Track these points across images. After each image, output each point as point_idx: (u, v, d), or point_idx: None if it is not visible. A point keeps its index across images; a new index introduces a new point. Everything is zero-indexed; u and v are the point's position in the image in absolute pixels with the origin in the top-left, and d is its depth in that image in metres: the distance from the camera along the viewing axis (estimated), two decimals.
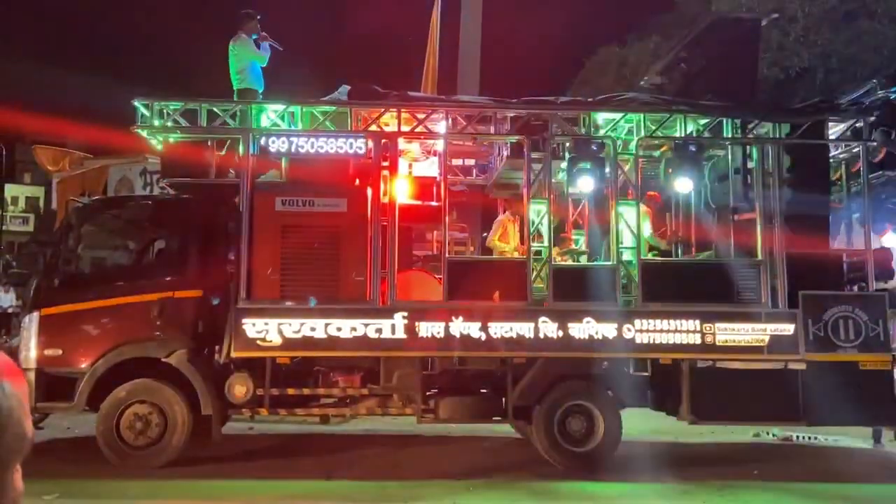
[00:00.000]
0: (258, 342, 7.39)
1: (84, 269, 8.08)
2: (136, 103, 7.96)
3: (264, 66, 8.58)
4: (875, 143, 8.16)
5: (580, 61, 20.82)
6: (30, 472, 1.61)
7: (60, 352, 7.39)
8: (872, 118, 8.10)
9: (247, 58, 8.46)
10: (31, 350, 7.34)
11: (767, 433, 9.66)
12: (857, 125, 8.23)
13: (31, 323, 7.42)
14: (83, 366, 7.34)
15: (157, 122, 8.01)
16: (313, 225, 7.67)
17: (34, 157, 21.65)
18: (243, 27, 8.59)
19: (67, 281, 7.69)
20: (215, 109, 8.06)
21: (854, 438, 9.18)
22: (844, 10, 15.45)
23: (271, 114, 8.22)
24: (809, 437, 9.45)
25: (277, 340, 7.39)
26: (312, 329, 7.41)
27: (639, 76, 10.81)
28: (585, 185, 8.15)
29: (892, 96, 8.13)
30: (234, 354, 7.41)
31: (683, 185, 8.27)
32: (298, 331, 7.37)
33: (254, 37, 8.58)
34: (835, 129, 8.45)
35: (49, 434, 8.40)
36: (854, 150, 8.40)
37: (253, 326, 7.40)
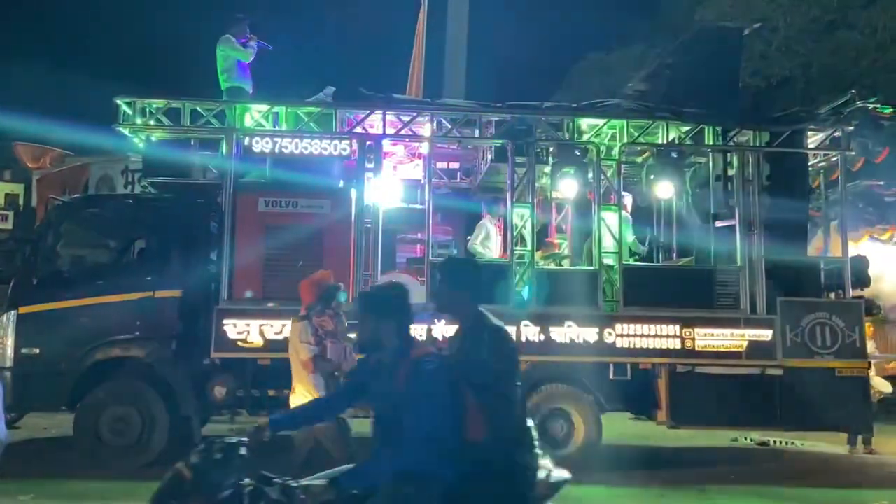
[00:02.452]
0: (239, 343, 7.36)
1: (64, 267, 7.99)
2: (118, 101, 7.91)
3: (248, 62, 8.56)
4: (853, 153, 8.29)
5: (566, 67, 20.96)
6: (6, 472, 1.62)
7: (38, 351, 7.31)
8: (851, 128, 8.23)
9: (231, 57, 8.48)
10: (7, 349, 7.26)
11: (745, 438, 9.75)
12: (836, 134, 8.36)
13: (9, 321, 7.34)
14: (61, 365, 7.27)
15: (139, 121, 7.97)
16: (297, 226, 7.65)
17: (14, 153, 21.39)
18: (231, 30, 8.61)
19: (46, 279, 7.61)
20: (199, 108, 8.03)
21: (829, 444, 9.30)
22: (827, 21, 15.67)
23: (255, 114, 8.21)
24: (786, 443, 9.56)
25: (259, 342, 7.36)
26: None
27: (623, 83, 10.89)
28: (568, 189, 8.21)
29: (870, 106, 8.27)
30: (213, 355, 7.37)
31: (665, 191, 8.35)
32: (280, 332, 7.35)
33: (241, 40, 8.60)
34: (814, 138, 8.58)
35: (26, 434, 8.31)
36: (832, 159, 8.52)
37: (234, 327, 7.37)
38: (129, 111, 7.94)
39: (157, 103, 8.00)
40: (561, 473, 3.08)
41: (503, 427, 2.89)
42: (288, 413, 4.40)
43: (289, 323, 7.35)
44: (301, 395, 5.32)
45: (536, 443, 3.00)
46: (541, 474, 2.98)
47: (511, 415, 2.95)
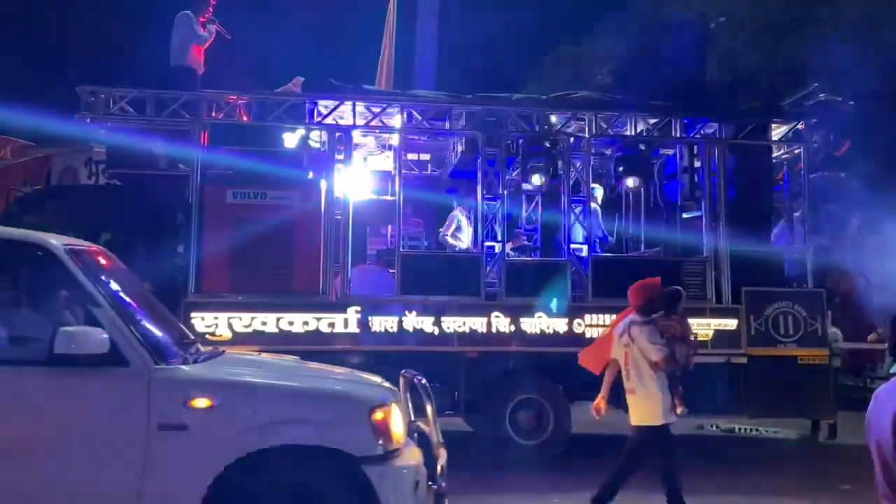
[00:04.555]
0: (207, 336, 7.28)
1: None
2: (80, 90, 7.74)
3: (201, 46, 8.41)
4: (815, 145, 8.47)
5: (537, 58, 21.02)
6: None
7: None
8: (813, 120, 8.40)
9: (186, 35, 8.30)
10: None
11: (712, 425, 9.93)
12: (799, 127, 8.52)
13: None
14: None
15: (102, 111, 7.81)
16: (266, 218, 7.58)
17: None
18: (192, 7, 8.45)
19: None
20: (164, 99, 7.89)
21: (794, 431, 9.51)
22: (792, 17, 15.92)
23: (223, 104, 8.09)
24: (751, 430, 9.76)
25: (227, 334, 7.29)
26: (263, 323, 7.34)
27: (592, 75, 10.97)
28: (538, 181, 8.26)
29: (832, 99, 8.45)
30: None
31: (632, 182, 8.45)
32: (249, 325, 7.29)
33: (200, 20, 8.44)
34: (778, 131, 8.74)
35: None
36: (796, 152, 8.69)
37: (202, 320, 7.29)
38: (92, 100, 7.78)
39: (121, 92, 7.85)
40: None
41: None
42: None
43: (258, 316, 7.34)
44: (642, 395, 5.22)
45: None
46: None
47: None
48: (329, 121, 8.17)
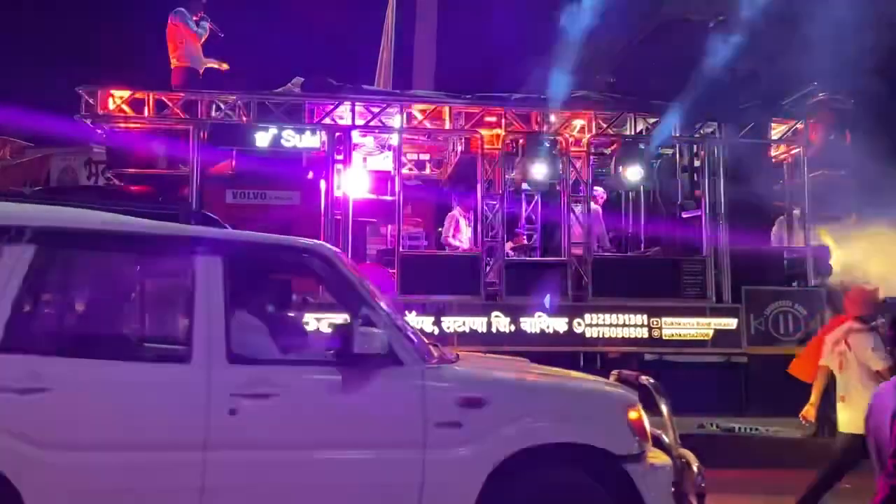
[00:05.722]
0: None
1: None
2: (79, 91, 7.74)
3: (198, 40, 8.40)
4: (815, 144, 8.47)
5: (534, 58, 20.99)
6: None
7: None
8: (812, 119, 8.40)
9: (182, 34, 8.30)
10: None
11: (711, 424, 9.92)
12: (798, 126, 8.52)
13: None
14: None
15: (102, 111, 7.80)
16: (265, 218, 7.57)
17: None
18: (186, 4, 8.46)
19: None
20: (164, 99, 7.89)
21: (795, 429, 9.49)
22: (788, 14, 15.89)
23: (222, 105, 8.09)
24: (751, 429, 9.75)
25: None
26: None
27: (591, 74, 10.96)
28: (538, 180, 8.26)
29: (831, 98, 8.45)
30: None
31: (632, 182, 8.45)
32: None
33: (193, 17, 8.44)
34: (777, 130, 8.74)
35: None
36: (795, 151, 8.69)
37: None
38: (91, 101, 7.78)
39: (121, 93, 7.85)
40: None
41: None
42: None
43: None
44: (854, 403, 5.17)
45: None
46: None
47: None
48: (328, 121, 8.16)
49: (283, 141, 8.17)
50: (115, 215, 3.71)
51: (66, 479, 3.17)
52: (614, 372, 4.49)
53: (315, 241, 4.05)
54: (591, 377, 4.38)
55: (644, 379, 4.26)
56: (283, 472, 3.37)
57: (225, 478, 3.30)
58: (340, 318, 3.89)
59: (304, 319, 3.94)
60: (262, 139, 8.10)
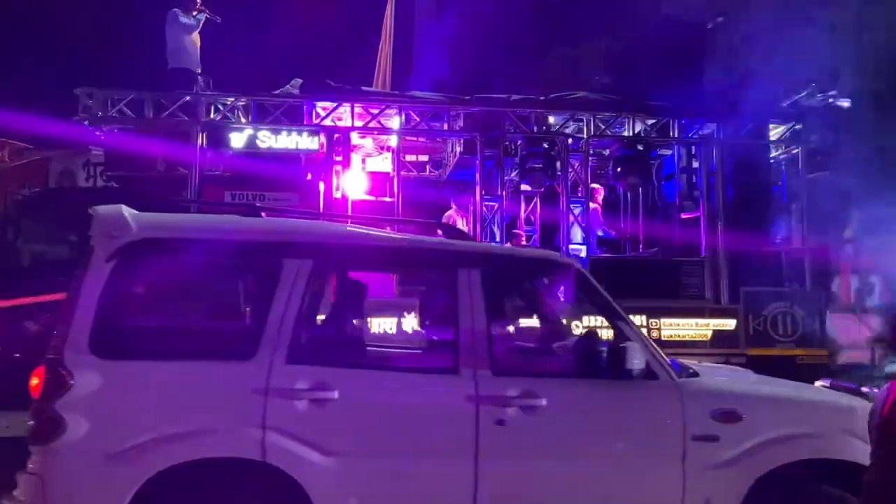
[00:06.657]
0: None
1: (23, 263, 7.80)
2: (78, 92, 7.74)
3: (192, 33, 8.37)
4: (813, 145, 8.47)
5: (534, 59, 20.98)
6: None
7: None
8: (811, 120, 8.41)
9: (176, 35, 8.28)
10: None
11: None
12: (797, 127, 8.53)
13: None
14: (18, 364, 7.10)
15: (100, 113, 7.80)
16: None
17: None
18: (180, 4, 8.44)
19: (5, 275, 7.43)
20: (163, 100, 7.89)
21: None
22: (787, 17, 15.89)
23: (221, 106, 8.09)
24: None
25: None
26: None
27: (590, 75, 10.97)
28: (536, 181, 8.26)
29: (830, 100, 8.45)
30: None
31: (631, 183, 8.45)
32: None
33: (193, 15, 8.42)
34: (776, 131, 8.74)
35: None
36: (794, 152, 8.70)
37: None
38: (89, 102, 7.77)
39: (120, 94, 7.85)
40: None
41: None
42: None
43: None
44: None
45: None
46: None
47: None
48: (327, 122, 8.17)
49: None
50: (372, 230, 3.88)
51: (351, 484, 3.29)
52: (823, 381, 4.45)
53: (567, 256, 4.15)
54: (826, 389, 4.34)
55: (864, 390, 4.24)
56: (550, 483, 3.44)
57: (495, 487, 3.38)
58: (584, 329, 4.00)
59: (559, 329, 4.17)
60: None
